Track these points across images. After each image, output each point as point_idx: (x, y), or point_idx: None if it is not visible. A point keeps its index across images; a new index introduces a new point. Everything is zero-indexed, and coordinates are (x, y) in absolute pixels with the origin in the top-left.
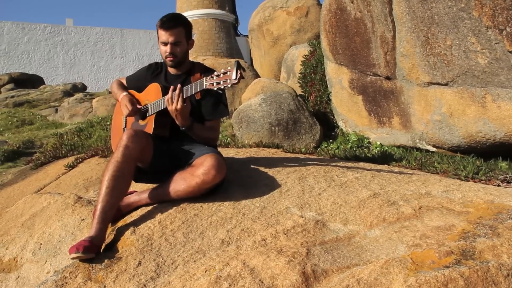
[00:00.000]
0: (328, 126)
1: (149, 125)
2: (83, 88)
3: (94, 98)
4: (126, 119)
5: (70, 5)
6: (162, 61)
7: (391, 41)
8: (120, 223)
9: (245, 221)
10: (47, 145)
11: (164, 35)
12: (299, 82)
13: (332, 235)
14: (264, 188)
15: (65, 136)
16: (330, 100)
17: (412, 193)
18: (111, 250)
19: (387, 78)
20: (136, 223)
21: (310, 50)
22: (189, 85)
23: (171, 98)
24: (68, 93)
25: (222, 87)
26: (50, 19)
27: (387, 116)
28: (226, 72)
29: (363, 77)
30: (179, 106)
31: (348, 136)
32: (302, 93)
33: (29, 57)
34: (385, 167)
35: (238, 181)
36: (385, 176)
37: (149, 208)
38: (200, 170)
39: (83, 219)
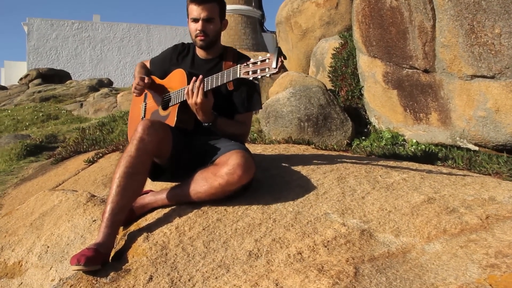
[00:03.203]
0: (359, 123)
1: (171, 117)
2: (109, 83)
3: (119, 93)
4: (145, 108)
5: (98, 1)
6: (190, 42)
7: (430, 31)
8: (133, 227)
9: (277, 228)
10: (69, 140)
11: (195, 10)
12: (329, 76)
13: (383, 249)
14: (297, 190)
15: (87, 131)
16: (362, 95)
17: (473, 198)
18: (120, 259)
19: (425, 71)
20: (150, 227)
21: (341, 42)
22: (219, 73)
23: (191, 89)
24: (93, 88)
25: (259, 76)
26: (78, 15)
27: (424, 112)
28: (264, 60)
29: (398, 70)
30: (199, 100)
31: (381, 133)
32: (333, 88)
33: (57, 53)
34: (431, 167)
35: (268, 181)
36: (436, 178)
37: (166, 210)
38: (224, 169)
39: (95, 220)
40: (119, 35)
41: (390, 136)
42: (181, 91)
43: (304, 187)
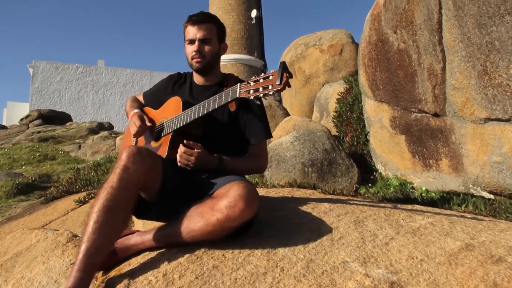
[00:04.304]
0: (365, 170)
1: (162, 147)
2: (109, 127)
3: (118, 136)
4: (136, 142)
5: (103, 47)
6: (187, 71)
7: (440, 73)
8: (113, 272)
9: (285, 279)
10: (63, 180)
11: (191, 31)
12: (333, 121)
13: None
14: (308, 234)
15: (81, 171)
16: (368, 140)
17: None
18: None
19: (435, 115)
20: (133, 274)
21: (346, 87)
22: (217, 95)
23: (180, 159)
24: (93, 131)
25: (261, 95)
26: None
27: (435, 158)
28: (267, 77)
29: (406, 114)
30: (192, 161)
31: (388, 181)
32: (337, 133)
33: (60, 95)
34: (453, 212)
35: (273, 223)
36: (466, 222)
37: (153, 254)
38: (223, 202)
39: (73, 263)
40: (122, 80)
41: (398, 184)
42: (176, 119)
43: (316, 231)
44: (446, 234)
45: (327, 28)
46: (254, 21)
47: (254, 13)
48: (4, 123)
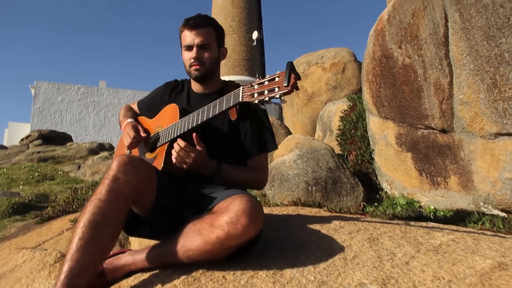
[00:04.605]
0: (370, 189)
1: (158, 159)
2: (110, 147)
3: None
4: (130, 151)
5: (105, 68)
6: (184, 78)
7: (447, 88)
8: None
9: None
10: (60, 200)
11: (188, 36)
12: (337, 139)
13: None
14: (318, 253)
15: (79, 191)
16: (372, 159)
17: None
18: None
19: (443, 131)
20: None
21: (350, 104)
22: (217, 100)
23: (177, 155)
24: (94, 151)
25: (267, 98)
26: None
27: (443, 176)
28: (273, 78)
29: (412, 131)
30: (190, 161)
31: (394, 200)
32: (341, 152)
33: (61, 116)
34: (471, 229)
35: (279, 242)
36: (491, 239)
37: (145, 275)
38: (224, 217)
39: (55, 284)
40: (123, 101)
41: (404, 203)
42: (172, 128)
43: (327, 249)
44: (473, 251)
45: (329, 46)
46: (255, 43)
47: (255, 34)
48: (5, 143)
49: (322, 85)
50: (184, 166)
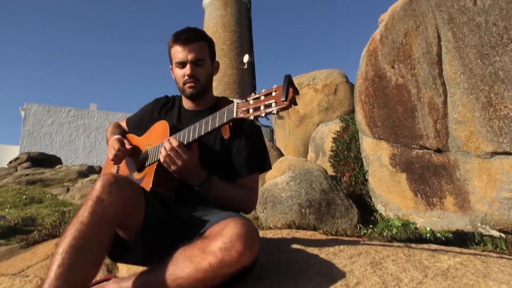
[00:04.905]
0: (365, 210)
1: (146, 179)
2: (100, 170)
3: None
4: (117, 171)
5: (96, 91)
6: (175, 94)
7: (441, 107)
8: None
9: None
10: (47, 223)
11: (181, 52)
12: (330, 161)
13: None
14: (318, 279)
15: (67, 214)
16: (366, 180)
17: None
18: None
19: (438, 150)
20: None
21: (342, 125)
22: (209, 116)
23: (167, 155)
24: (83, 174)
25: (263, 114)
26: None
27: (438, 196)
28: (270, 93)
29: (407, 151)
30: (180, 163)
31: (390, 221)
32: (334, 173)
33: (51, 138)
34: (475, 251)
35: (275, 267)
36: (499, 262)
37: None
38: (217, 243)
39: None
40: None
41: (400, 224)
42: (161, 146)
43: (327, 275)
44: (484, 275)
45: (320, 68)
46: (246, 66)
47: (246, 58)
48: None
49: (314, 107)
50: (172, 168)
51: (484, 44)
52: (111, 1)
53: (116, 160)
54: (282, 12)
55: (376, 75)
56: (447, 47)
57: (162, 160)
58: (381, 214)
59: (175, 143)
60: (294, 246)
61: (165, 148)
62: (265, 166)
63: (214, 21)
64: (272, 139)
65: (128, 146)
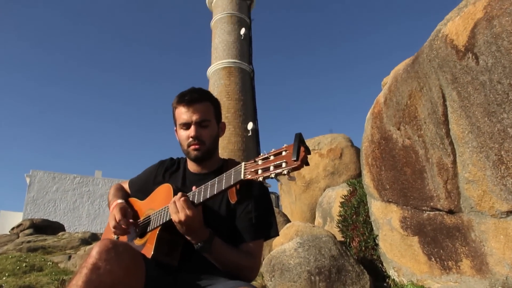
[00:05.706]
0: (376, 276)
1: (148, 245)
2: None
3: None
4: (117, 237)
5: (101, 158)
6: (180, 157)
7: (451, 167)
8: None
9: None
10: None
11: (185, 113)
12: (338, 226)
13: None
14: None
15: (66, 282)
16: (377, 244)
17: None
18: None
19: (450, 211)
20: None
21: (349, 190)
22: (216, 179)
23: (174, 203)
24: (86, 241)
25: (273, 175)
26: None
27: (454, 260)
28: (280, 152)
29: (417, 213)
30: (182, 216)
31: (404, 287)
32: (343, 239)
33: (55, 205)
34: None
35: None
36: None
37: None
38: None
39: None
40: None
41: None
42: (164, 210)
43: None
44: None
45: (325, 133)
46: (250, 133)
47: (250, 125)
48: None
49: (320, 171)
50: (175, 219)
51: (490, 102)
52: (128, 72)
53: (117, 231)
54: (285, 79)
55: (382, 137)
56: (453, 107)
57: (170, 207)
58: (394, 280)
59: (182, 198)
60: None
61: (175, 198)
62: (272, 232)
63: (219, 90)
64: (278, 205)
65: (130, 221)
